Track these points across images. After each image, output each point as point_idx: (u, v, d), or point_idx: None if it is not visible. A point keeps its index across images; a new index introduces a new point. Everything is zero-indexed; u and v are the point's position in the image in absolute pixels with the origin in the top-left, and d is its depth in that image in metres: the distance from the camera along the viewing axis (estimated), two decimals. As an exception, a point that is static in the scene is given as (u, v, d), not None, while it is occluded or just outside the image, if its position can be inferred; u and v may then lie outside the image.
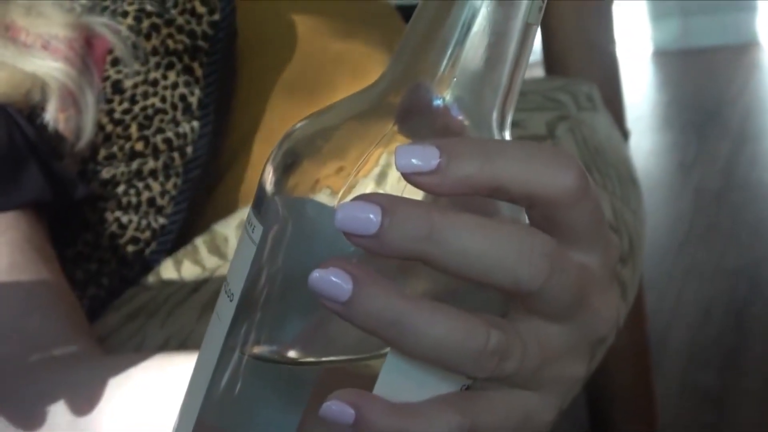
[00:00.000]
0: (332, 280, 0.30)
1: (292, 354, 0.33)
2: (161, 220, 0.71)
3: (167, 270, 0.69)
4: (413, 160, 0.30)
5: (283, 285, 0.33)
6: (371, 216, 0.29)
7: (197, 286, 0.65)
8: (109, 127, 0.69)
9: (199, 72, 0.71)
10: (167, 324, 0.63)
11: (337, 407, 0.30)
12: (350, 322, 0.30)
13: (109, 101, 0.69)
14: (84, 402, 0.48)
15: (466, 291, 0.33)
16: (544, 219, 0.32)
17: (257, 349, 0.33)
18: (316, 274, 0.30)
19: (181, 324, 0.62)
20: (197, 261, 0.69)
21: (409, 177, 0.30)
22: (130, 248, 0.70)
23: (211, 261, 0.68)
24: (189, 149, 0.71)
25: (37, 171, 0.63)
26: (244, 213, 0.72)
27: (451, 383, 0.32)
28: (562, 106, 0.78)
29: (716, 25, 3.42)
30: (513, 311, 0.32)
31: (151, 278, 0.69)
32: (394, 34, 0.86)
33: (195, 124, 0.71)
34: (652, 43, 3.57)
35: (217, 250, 0.69)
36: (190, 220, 0.72)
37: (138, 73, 0.69)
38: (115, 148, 0.69)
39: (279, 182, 0.34)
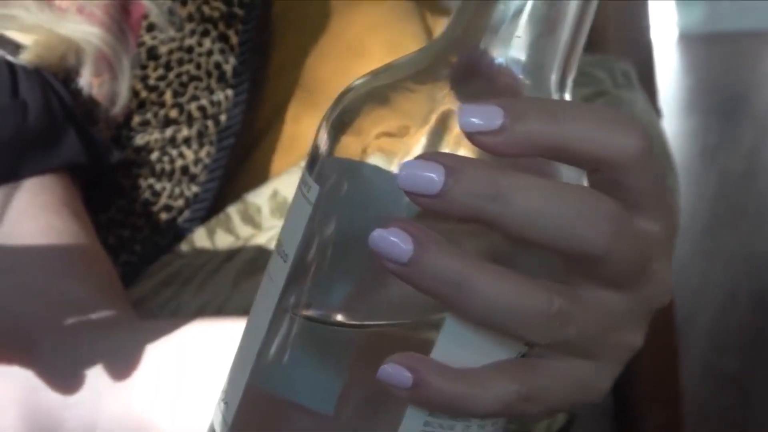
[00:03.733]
0: (392, 240, 0.29)
1: (346, 316, 0.32)
2: (194, 189, 0.70)
3: (200, 238, 0.69)
4: (476, 120, 0.29)
5: (338, 246, 0.32)
6: (435, 175, 0.29)
7: (231, 254, 0.65)
8: (144, 94, 0.68)
9: (234, 40, 0.71)
10: (202, 291, 0.62)
11: (394, 370, 0.30)
12: (410, 283, 0.29)
13: (144, 67, 0.68)
14: (123, 366, 0.47)
15: (521, 259, 0.32)
16: (607, 183, 0.31)
17: (311, 311, 0.33)
18: (377, 234, 0.29)
19: (216, 291, 0.61)
20: (230, 230, 0.69)
21: (473, 137, 0.29)
22: (163, 216, 0.69)
23: (244, 230, 0.68)
24: (223, 117, 0.70)
25: (73, 135, 0.63)
26: (276, 183, 0.72)
27: (508, 350, 0.31)
28: (599, 82, 0.77)
29: (743, 10, 3.39)
30: (574, 277, 0.31)
31: (184, 246, 0.69)
32: (429, 6, 0.85)
33: (229, 92, 0.70)
34: (678, 27, 3.54)
35: (250, 219, 0.69)
36: (222, 189, 0.72)
37: (173, 40, 0.69)
38: (149, 115, 0.69)
39: (334, 142, 0.33)
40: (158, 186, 0.69)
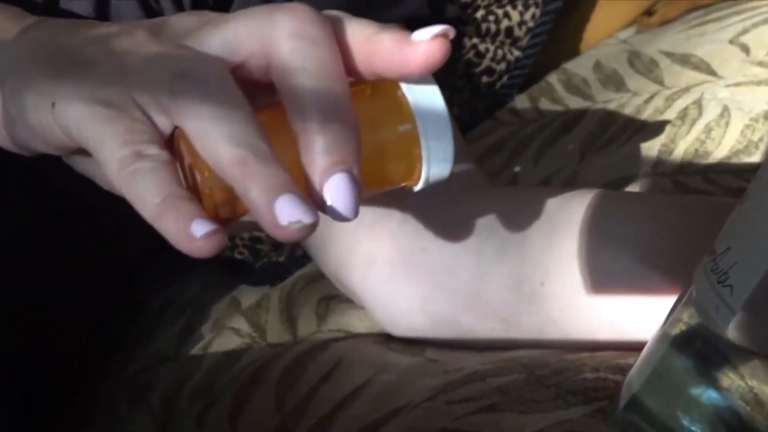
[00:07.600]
0: None
1: None
2: (516, 53, 0.66)
3: (523, 106, 0.65)
4: None
5: None
6: None
7: (565, 126, 0.61)
8: None
9: None
10: (540, 162, 0.59)
11: None
12: None
13: None
14: (511, 231, 0.44)
15: None
16: None
17: None
18: None
19: (561, 164, 0.57)
20: (556, 99, 0.65)
21: None
22: (484, 79, 0.66)
23: (573, 101, 0.64)
24: (552, -22, 0.66)
25: (414, -15, 0.59)
26: (596, 54, 0.67)
27: None
28: None
29: None
30: None
31: (505, 113, 0.65)
32: None
33: None
34: None
35: (577, 90, 0.65)
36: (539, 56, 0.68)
37: None
38: (478, -30, 0.65)
39: None
40: (482, 47, 0.65)
